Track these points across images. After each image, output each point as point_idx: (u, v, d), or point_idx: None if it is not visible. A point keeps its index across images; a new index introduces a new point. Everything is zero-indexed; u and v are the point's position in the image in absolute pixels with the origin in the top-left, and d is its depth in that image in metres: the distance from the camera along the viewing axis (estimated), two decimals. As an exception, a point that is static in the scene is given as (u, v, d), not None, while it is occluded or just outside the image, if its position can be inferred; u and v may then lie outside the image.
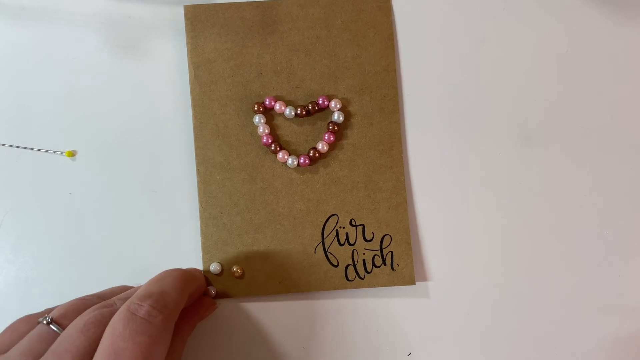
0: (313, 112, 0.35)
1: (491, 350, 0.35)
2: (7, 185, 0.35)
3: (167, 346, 0.26)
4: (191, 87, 0.35)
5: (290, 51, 0.36)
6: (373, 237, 0.35)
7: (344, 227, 0.35)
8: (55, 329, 0.27)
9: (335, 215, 0.35)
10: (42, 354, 0.25)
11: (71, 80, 0.36)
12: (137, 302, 0.26)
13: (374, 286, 0.35)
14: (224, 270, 0.35)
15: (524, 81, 0.37)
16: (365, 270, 0.35)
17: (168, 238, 0.35)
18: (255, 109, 0.35)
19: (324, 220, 0.35)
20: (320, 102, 0.35)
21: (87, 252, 0.35)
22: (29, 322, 0.28)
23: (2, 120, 0.36)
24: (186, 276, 0.30)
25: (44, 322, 0.27)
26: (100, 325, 0.25)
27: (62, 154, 0.35)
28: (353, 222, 0.35)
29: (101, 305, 0.27)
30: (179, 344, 0.30)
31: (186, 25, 0.36)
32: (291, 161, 0.35)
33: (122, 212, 0.35)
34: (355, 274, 0.35)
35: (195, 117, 0.35)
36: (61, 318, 0.27)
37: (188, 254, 0.35)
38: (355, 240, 0.35)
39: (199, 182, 0.35)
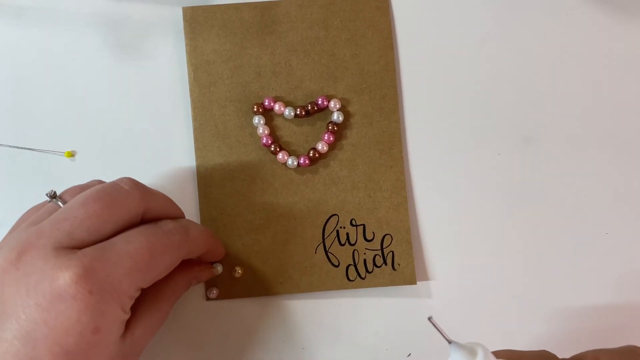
0: (312, 112, 0.35)
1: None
2: (7, 185, 0.35)
3: (171, 265, 0.29)
4: (190, 89, 0.35)
5: (289, 51, 0.36)
6: (374, 237, 0.35)
7: (344, 227, 0.35)
8: (60, 204, 0.29)
9: (336, 216, 0.35)
10: None
11: (71, 81, 0.36)
12: (173, 227, 0.30)
13: (375, 286, 0.35)
14: (225, 271, 0.35)
15: (523, 81, 0.37)
16: (366, 270, 0.35)
17: (168, 238, 0.35)
18: (255, 109, 0.35)
19: (325, 221, 0.35)
20: (320, 102, 0.35)
21: (87, 253, 0.35)
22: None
23: (2, 120, 0.36)
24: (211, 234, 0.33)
25: (49, 197, 0.29)
26: (98, 201, 0.27)
27: (61, 154, 0.35)
28: (353, 222, 0.35)
29: (100, 185, 0.29)
30: (170, 295, 0.31)
31: (185, 27, 0.36)
32: (291, 162, 0.35)
33: (122, 213, 0.35)
34: (356, 274, 0.35)
35: (194, 119, 0.35)
36: (65, 195, 0.29)
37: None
38: (356, 240, 0.35)
39: (198, 183, 0.35)
